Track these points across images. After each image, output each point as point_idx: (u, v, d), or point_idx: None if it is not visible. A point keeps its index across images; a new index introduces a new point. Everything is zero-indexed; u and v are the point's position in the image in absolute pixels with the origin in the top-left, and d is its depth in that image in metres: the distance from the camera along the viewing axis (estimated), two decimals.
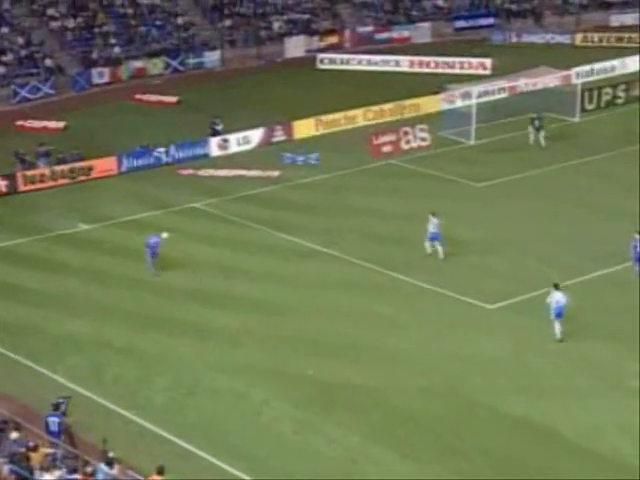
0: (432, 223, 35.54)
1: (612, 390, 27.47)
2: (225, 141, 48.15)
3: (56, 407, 24.70)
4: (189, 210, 41.03)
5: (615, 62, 59.32)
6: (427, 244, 35.70)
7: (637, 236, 33.65)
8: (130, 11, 63.84)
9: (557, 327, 29.99)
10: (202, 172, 45.30)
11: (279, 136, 49.31)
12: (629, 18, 72.07)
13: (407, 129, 47.75)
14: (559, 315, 29.92)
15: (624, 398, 27.03)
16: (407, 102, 52.52)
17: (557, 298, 29.98)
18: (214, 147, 47.85)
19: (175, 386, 28.28)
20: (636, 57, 60.38)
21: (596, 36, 68.01)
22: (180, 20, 64.88)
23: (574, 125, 50.51)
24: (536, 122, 47.45)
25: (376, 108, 51.87)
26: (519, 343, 30.10)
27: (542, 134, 47.12)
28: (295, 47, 65.60)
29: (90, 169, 44.67)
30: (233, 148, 48.18)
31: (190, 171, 45.38)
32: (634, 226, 34.48)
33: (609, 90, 53.30)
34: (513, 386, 27.91)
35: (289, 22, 67.46)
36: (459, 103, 51.72)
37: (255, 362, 29.36)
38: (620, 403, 26.84)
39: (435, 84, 54.06)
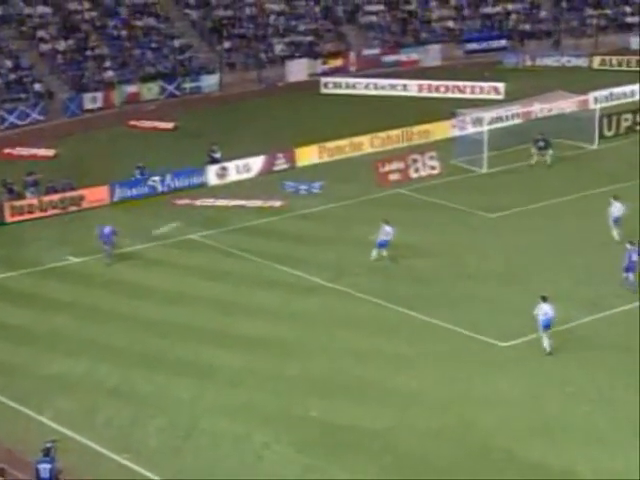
0: (384, 231, 37.91)
1: (632, 432, 27.41)
2: (224, 169, 48.38)
3: (46, 452, 24.42)
4: (186, 242, 41.18)
5: (635, 87, 59.67)
6: (374, 251, 38.09)
7: (629, 246, 35.07)
8: (124, 33, 64.42)
9: (545, 340, 31.07)
10: (199, 202, 45.51)
11: (281, 164, 49.57)
12: None
13: (416, 157, 47.99)
14: (547, 327, 31.06)
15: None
16: (416, 128, 52.85)
17: (545, 310, 31.07)
18: (212, 176, 48.08)
19: (171, 428, 28.28)
20: None
21: (615, 59, 68.46)
22: (177, 42, 65.46)
23: (592, 152, 50.74)
24: (540, 143, 48.11)
25: (383, 134, 52.18)
26: (534, 383, 30.09)
27: (550, 152, 47.75)
28: (298, 70, 66.10)
29: (81, 199, 44.92)
30: (232, 177, 48.40)
31: (187, 201, 45.58)
32: None
33: (629, 116, 53.58)
34: (529, 428, 27.86)
35: (291, 44, 68.01)
36: (471, 129, 52.02)
37: (256, 403, 29.36)
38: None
39: (445, 109, 54.39)
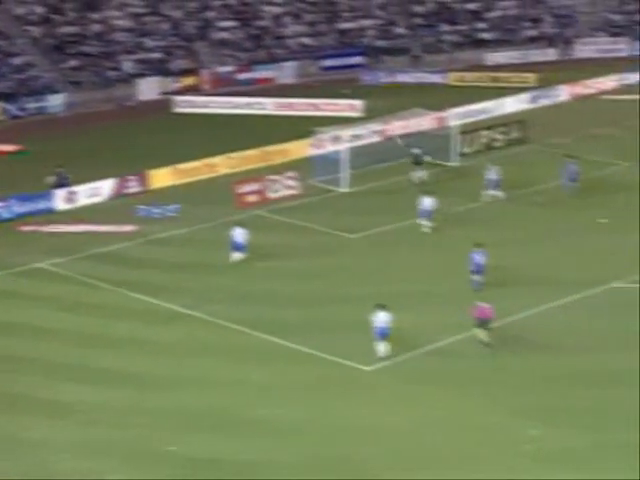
0: (237, 233, 40.29)
1: (497, 453, 27.97)
2: (72, 194, 47.59)
3: None
4: (33, 271, 40.25)
5: (491, 103, 61.41)
6: (234, 255, 40.28)
7: (475, 249, 37.44)
8: None
9: (382, 348, 32.48)
10: (47, 228, 44.62)
11: (133, 187, 49.02)
12: (504, 57, 74.86)
13: (274, 177, 48.17)
14: (383, 335, 32.30)
15: (521, 463, 27.60)
16: (273, 148, 53.07)
17: (381, 318, 32.31)
18: (60, 200, 47.25)
19: (14, 472, 27.36)
20: (513, 98, 62.66)
21: (471, 75, 70.31)
22: (17, 60, 64.11)
23: (452, 170, 51.88)
24: (418, 157, 49.32)
25: (239, 155, 52.21)
26: (405, 410, 30.41)
27: (420, 172, 48.87)
28: (149, 89, 65.62)
29: None
30: (82, 201, 47.65)
31: (34, 227, 44.64)
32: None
33: (486, 132, 55.04)
34: (401, 457, 28.07)
35: (141, 62, 67.49)
36: (329, 148, 52.52)
37: (113, 440, 28.78)
38: (517, 468, 27.38)
39: (303, 128, 54.78)
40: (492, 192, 47.11)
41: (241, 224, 41.24)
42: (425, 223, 43.58)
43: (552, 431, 28.82)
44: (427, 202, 43.54)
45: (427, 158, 50.18)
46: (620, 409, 29.83)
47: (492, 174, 47.41)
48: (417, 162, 49.71)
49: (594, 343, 33.97)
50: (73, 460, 27.87)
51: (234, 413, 30.19)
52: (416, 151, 50.13)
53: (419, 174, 49.20)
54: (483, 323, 33.38)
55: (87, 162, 52.01)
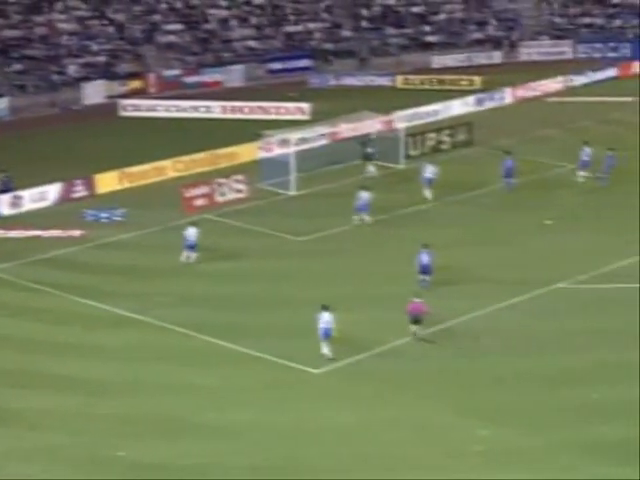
0: (190, 233, 40.61)
1: (444, 455, 28.04)
2: (17, 198, 47.09)
3: None
4: None
5: (438, 106, 61.69)
6: (186, 254, 40.28)
7: (422, 249, 37.95)
8: None
9: (326, 348, 32.71)
10: None
11: (80, 191, 48.61)
12: (450, 60, 75.27)
13: (222, 180, 48.00)
14: (326, 336, 32.55)
15: (470, 463, 27.69)
16: (221, 151, 52.88)
17: (325, 319, 32.59)
18: (5, 205, 46.74)
19: None
20: (459, 100, 63.02)
21: (417, 78, 70.57)
22: None
23: (399, 172, 52.02)
24: (367, 149, 49.61)
25: (187, 158, 51.95)
26: (353, 412, 30.38)
27: (370, 168, 49.49)
28: (94, 93, 65.11)
29: None
30: (27, 206, 47.17)
31: None
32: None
33: (433, 135, 55.27)
34: (351, 459, 28.04)
35: (86, 65, 66.97)
36: (277, 151, 52.44)
37: (59, 446, 28.50)
38: (466, 468, 27.47)
39: (251, 131, 54.64)
40: (427, 191, 47.47)
41: (194, 224, 41.35)
42: (362, 217, 44.34)
43: (502, 431, 28.97)
44: (364, 196, 44.30)
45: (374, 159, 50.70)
46: (569, 408, 30.04)
47: (428, 172, 47.71)
48: (367, 159, 50.13)
49: (541, 343, 34.20)
50: (19, 467, 27.52)
51: (182, 417, 30.01)
52: (369, 149, 50.80)
53: (370, 169, 50.10)
54: (417, 318, 33.82)
55: (32, 167, 51.43)
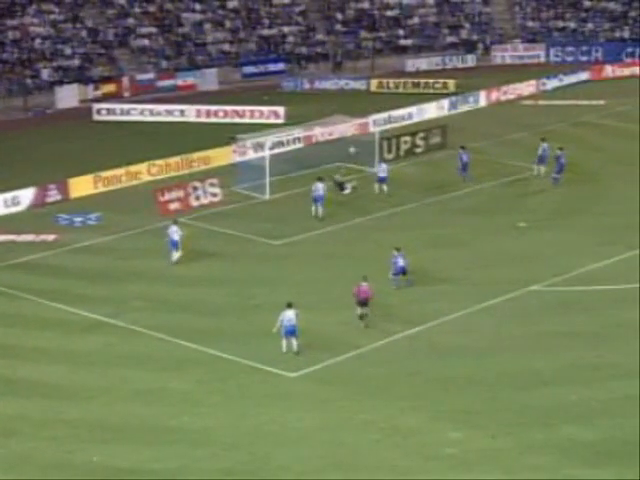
0: (173, 231, 40.81)
1: (422, 459, 28.05)
2: None
3: None
4: None
5: (412, 109, 61.80)
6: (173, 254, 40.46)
7: (395, 252, 38.20)
8: None
9: (292, 343, 33.21)
10: None
11: (53, 196, 48.40)
12: (424, 63, 75.44)
13: (196, 184, 47.92)
14: (291, 333, 33.12)
15: (442, 466, 27.73)
16: (195, 155, 52.79)
17: (289, 317, 33.05)
18: None
19: None
20: (433, 104, 63.16)
21: (392, 82, 70.67)
22: None
23: (374, 176, 51.98)
24: (337, 178, 49.08)
25: (161, 162, 51.84)
26: (324, 414, 30.34)
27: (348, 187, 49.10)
28: (68, 97, 64.84)
29: None
30: (0, 210, 46.91)
31: None
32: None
33: (408, 138, 55.32)
34: (322, 461, 28.06)
35: (59, 69, 66.68)
36: (252, 155, 52.38)
37: (31, 452, 28.33)
38: (438, 471, 27.49)
39: (225, 135, 54.57)
40: (377, 186, 48.69)
41: (176, 222, 41.51)
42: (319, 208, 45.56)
43: (474, 433, 29.00)
44: (320, 187, 45.52)
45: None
46: (541, 409, 30.13)
47: (381, 171, 48.79)
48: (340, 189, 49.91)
49: (514, 345, 34.26)
50: None
51: (155, 421, 29.90)
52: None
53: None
54: (363, 302, 34.99)
55: (5, 171, 51.22)
